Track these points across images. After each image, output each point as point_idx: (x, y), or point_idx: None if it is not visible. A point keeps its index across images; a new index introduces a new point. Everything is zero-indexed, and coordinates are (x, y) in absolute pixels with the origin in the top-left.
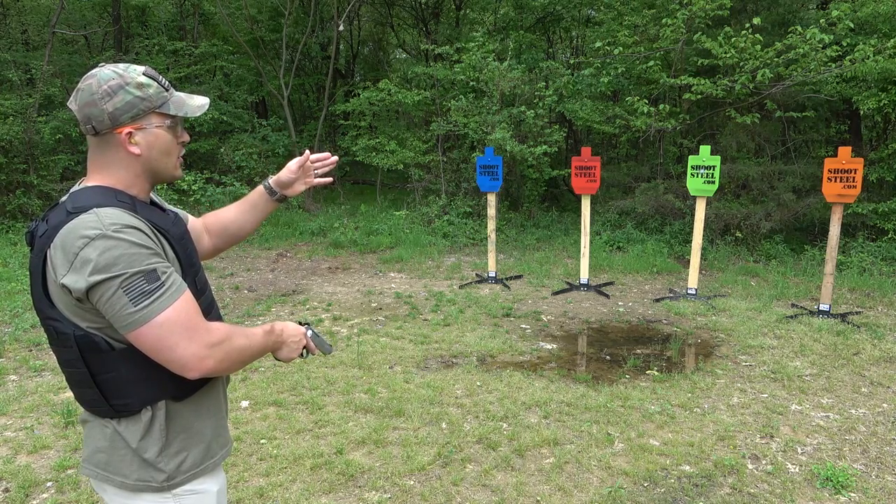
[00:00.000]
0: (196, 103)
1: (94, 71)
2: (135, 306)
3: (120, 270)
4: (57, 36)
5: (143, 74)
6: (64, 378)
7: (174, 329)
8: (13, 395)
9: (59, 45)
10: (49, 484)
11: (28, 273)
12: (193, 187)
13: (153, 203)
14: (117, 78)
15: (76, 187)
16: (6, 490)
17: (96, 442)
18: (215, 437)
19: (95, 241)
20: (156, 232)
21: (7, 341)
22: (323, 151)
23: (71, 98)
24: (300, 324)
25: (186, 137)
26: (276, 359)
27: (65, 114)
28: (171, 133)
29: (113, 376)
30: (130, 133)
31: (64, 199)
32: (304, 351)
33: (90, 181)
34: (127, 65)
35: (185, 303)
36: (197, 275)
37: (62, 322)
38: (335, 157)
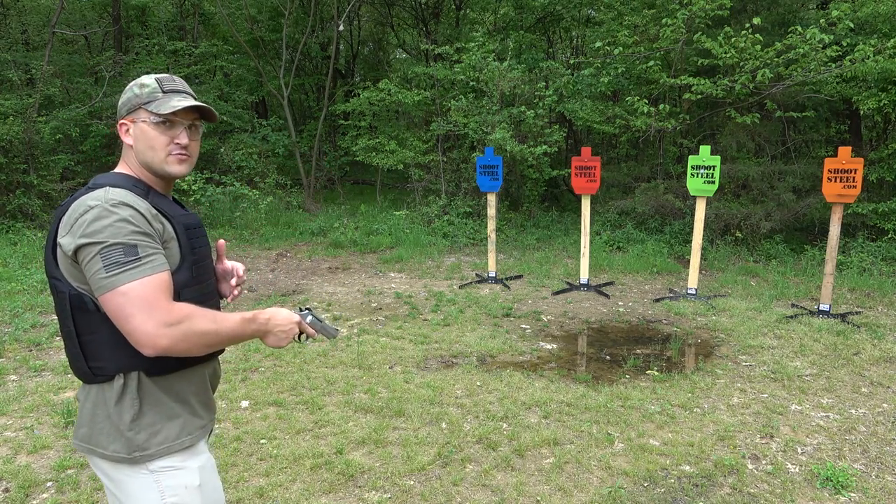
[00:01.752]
0: (175, 104)
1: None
2: (106, 272)
3: (103, 238)
4: (57, 36)
5: (154, 78)
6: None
7: (134, 301)
8: (13, 395)
9: (59, 45)
10: (49, 484)
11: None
12: (193, 187)
13: (175, 201)
14: (136, 80)
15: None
16: (6, 490)
17: (82, 416)
18: (191, 416)
19: (92, 210)
20: (160, 216)
21: (7, 341)
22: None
23: None
24: (301, 310)
25: (184, 140)
26: (267, 345)
27: (65, 114)
28: (157, 129)
29: (94, 338)
30: (124, 124)
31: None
32: (302, 336)
33: (117, 168)
34: (152, 75)
35: (155, 280)
36: (197, 264)
37: (61, 281)
38: (243, 276)
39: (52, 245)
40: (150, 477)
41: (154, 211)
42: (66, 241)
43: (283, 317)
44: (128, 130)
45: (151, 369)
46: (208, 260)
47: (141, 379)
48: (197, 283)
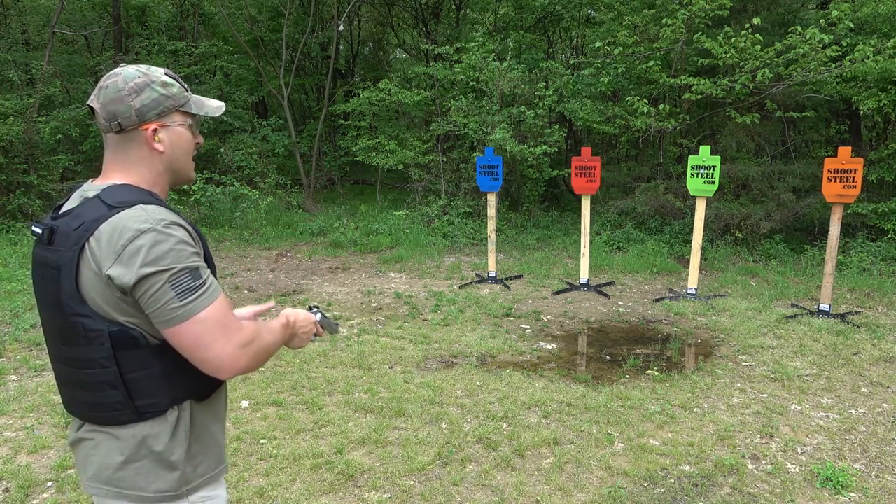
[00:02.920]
0: (214, 104)
1: (117, 70)
2: (180, 301)
3: (169, 265)
4: (57, 36)
5: (165, 74)
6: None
7: (214, 328)
8: (13, 395)
9: (59, 45)
10: (49, 484)
11: (40, 270)
12: (193, 187)
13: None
14: (142, 76)
15: (96, 184)
16: (6, 490)
17: (105, 458)
18: (222, 438)
19: (146, 234)
20: (194, 232)
21: (7, 341)
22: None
23: (92, 96)
24: (310, 308)
25: (201, 139)
26: (289, 347)
27: (65, 114)
28: (190, 132)
29: (144, 374)
30: (156, 130)
31: (90, 194)
32: (314, 335)
33: (114, 179)
34: (148, 66)
35: (223, 301)
36: (214, 274)
37: (92, 318)
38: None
39: (75, 277)
40: None
41: (192, 227)
42: (120, 273)
43: (304, 318)
44: (155, 135)
45: (203, 392)
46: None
47: (192, 407)
48: None
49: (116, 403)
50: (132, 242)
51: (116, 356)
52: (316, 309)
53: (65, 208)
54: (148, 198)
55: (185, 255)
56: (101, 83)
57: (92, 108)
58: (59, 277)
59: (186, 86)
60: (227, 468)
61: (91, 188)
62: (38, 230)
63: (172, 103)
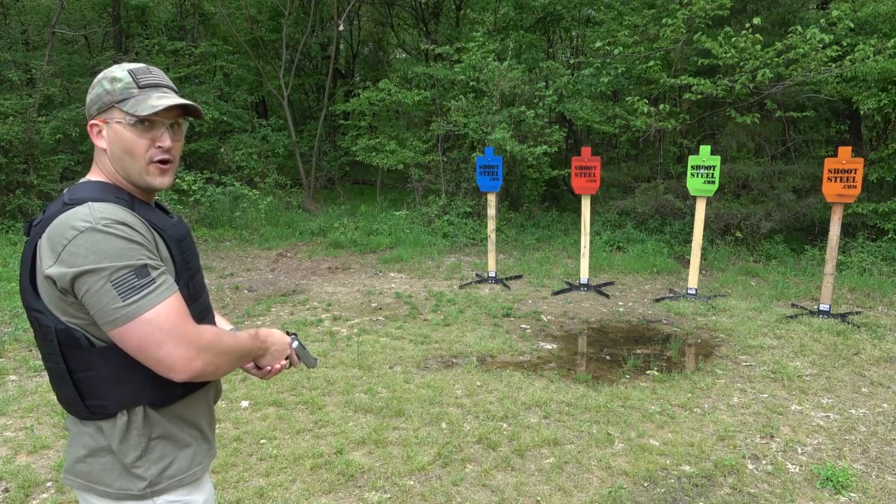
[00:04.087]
0: (156, 103)
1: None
2: (123, 301)
3: (108, 263)
4: (57, 36)
5: (127, 70)
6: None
7: (162, 327)
8: (13, 395)
9: (59, 45)
10: (49, 484)
11: (20, 265)
12: (193, 187)
13: (157, 205)
14: (105, 72)
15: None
16: (6, 490)
17: (77, 451)
18: (201, 442)
19: (84, 234)
20: (151, 230)
21: (7, 341)
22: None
23: None
24: (288, 333)
25: (166, 143)
26: (258, 366)
27: (65, 114)
28: (134, 131)
29: (90, 375)
30: (95, 125)
31: (65, 192)
32: (287, 361)
33: (89, 175)
34: (126, 64)
35: (175, 301)
36: (192, 279)
37: (45, 314)
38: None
39: (30, 273)
40: None
41: (145, 225)
42: (57, 272)
43: (278, 337)
44: (100, 132)
45: (157, 401)
46: (200, 273)
47: (147, 413)
48: (194, 299)
49: (71, 399)
50: (70, 242)
51: (63, 354)
52: (294, 336)
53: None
54: (107, 195)
55: (128, 252)
56: None
57: None
58: (22, 273)
59: (149, 81)
60: (208, 469)
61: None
62: (26, 224)
63: (110, 99)
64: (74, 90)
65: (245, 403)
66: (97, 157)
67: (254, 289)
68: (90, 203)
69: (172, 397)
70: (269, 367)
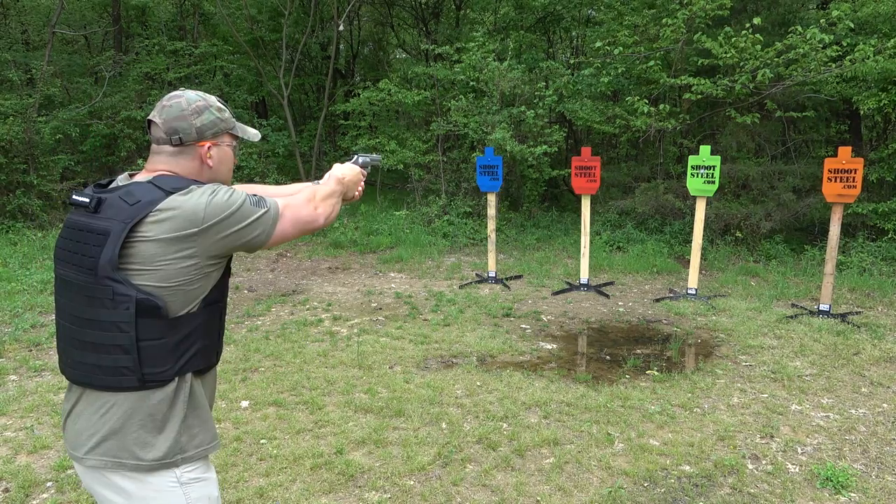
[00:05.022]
0: (252, 132)
1: (178, 92)
2: (259, 207)
3: (235, 202)
4: (57, 36)
5: (218, 101)
6: (64, 378)
7: (297, 203)
8: (13, 395)
9: (59, 45)
10: (49, 484)
11: (76, 234)
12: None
13: None
14: (202, 100)
15: (141, 176)
16: (6, 490)
17: (103, 426)
18: (211, 421)
19: (217, 192)
20: None
21: (7, 341)
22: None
23: (154, 113)
24: (353, 156)
25: (236, 160)
26: (346, 201)
27: (65, 114)
28: (233, 152)
29: (157, 343)
30: (209, 147)
31: (139, 180)
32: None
33: (165, 172)
34: (203, 93)
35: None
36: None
37: (124, 284)
38: None
39: (121, 246)
40: (180, 490)
41: None
42: (200, 229)
43: (352, 174)
44: (208, 152)
45: (203, 368)
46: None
47: (192, 381)
48: (223, 297)
49: (124, 368)
50: (197, 201)
51: (137, 322)
52: (356, 155)
53: (112, 186)
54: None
55: (239, 194)
56: (163, 102)
57: (150, 122)
58: (104, 242)
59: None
60: (216, 450)
61: (137, 178)
62: (84, 199)
63: (224, 126)
64: (74, 90)
65: (245, 403)
66: (182, 170)
67: (254, 289)
68: (193, 186)
69: (210, 365)
70: (353, 196)
